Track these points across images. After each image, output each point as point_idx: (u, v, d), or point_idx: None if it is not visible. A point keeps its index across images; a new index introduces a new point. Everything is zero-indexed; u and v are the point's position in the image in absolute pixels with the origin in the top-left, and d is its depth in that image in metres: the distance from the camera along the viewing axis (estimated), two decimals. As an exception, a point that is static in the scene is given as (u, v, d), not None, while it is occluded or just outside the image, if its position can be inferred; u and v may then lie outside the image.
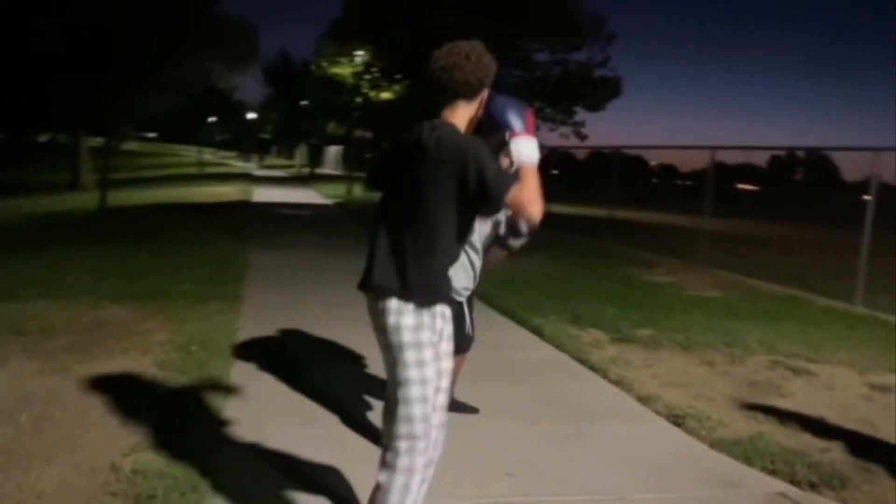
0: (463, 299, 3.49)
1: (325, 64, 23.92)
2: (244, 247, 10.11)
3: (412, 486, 2.34)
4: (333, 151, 47.95)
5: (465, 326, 3.53)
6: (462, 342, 3.35)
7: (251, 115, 58.12)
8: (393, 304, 2.31)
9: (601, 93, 12.67)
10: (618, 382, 4.74)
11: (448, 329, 2.50)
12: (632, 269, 10.16)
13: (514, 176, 2.22)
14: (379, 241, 2.38)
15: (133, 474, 3.00)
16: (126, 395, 4.00)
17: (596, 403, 4.37)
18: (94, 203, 16.53)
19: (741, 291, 8.83)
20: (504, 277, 8.63)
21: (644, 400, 4.40)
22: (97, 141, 26.17)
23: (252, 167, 52.16)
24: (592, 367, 5.07)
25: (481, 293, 7.53)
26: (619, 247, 12.94)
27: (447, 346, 2.51)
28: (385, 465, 2.37)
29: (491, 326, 6.30)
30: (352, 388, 4.32)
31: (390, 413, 2.37)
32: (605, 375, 4.88)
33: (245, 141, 63.84)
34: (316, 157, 47.41)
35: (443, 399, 2.47)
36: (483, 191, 2.17)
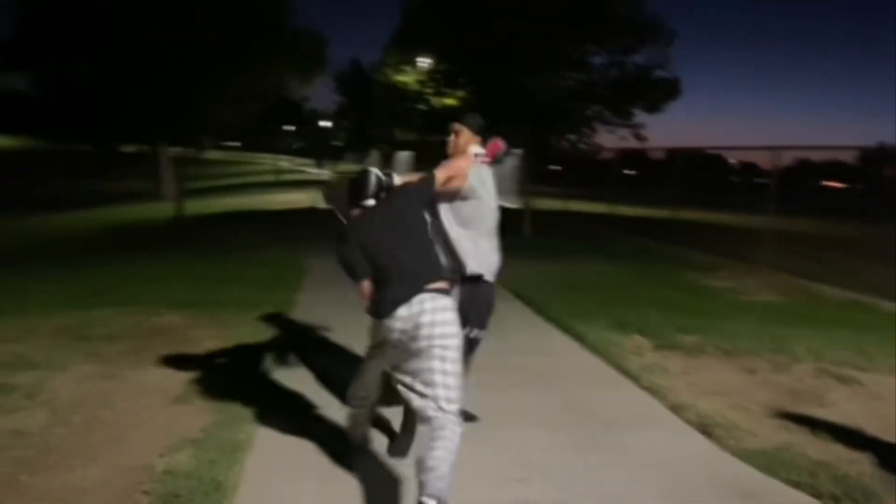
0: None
1: (389, 72, 24.37)
2: (304, 254, 10.42)
3: None
4: (404, 157, 48.54)
5: None
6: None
7: (325, 124, 59.50)
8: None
9: (659, 94, 12.51)
10: (651, 390, 4.72)
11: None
12: (690, 273, 9.98)
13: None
14: None
15: (164, 474, 3.21)
16: (170, 399, 4.25)
17: (624, 411, 4.37)
18: (171, 212, 17.29)
19: (802, 296, 8.56)
20: (557, 283, 8.66)
21: (675, 408, 4.37)
22: (179, 151, 27.34)
23: (325, 174, 53.33)
24: (628, 375, 5.06)
25: (530, 298, 7.64)
26: (682, 250, 12.70)
27: None
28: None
29: (532, 332, 6.37)
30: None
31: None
32: (639, 383, 4.87)
33: (319, 149, 65.33)
34: (387, 164, 48.09)
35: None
36: None
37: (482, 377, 4.90)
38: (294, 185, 33.29)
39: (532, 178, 18.25)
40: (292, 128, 59.27)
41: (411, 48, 18.98)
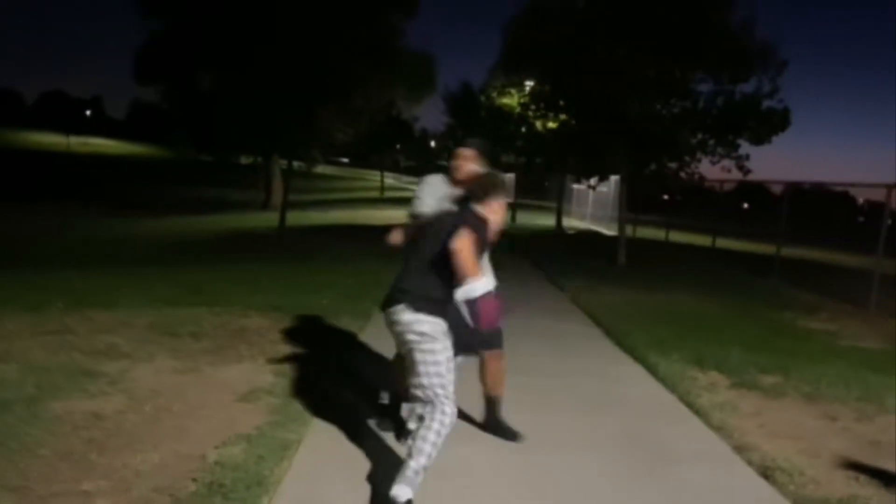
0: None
1: (494, 94, 24.58)
2: (392, 267, 10.62)
3: None
4: (507, 179, 48.74)
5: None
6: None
7: (433, 144, 60.62)
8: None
9: (768, 125, 12.00)
10: (718, 428, 4.54)
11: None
12: (788, 312, 9.51)
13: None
14: None
15: (215, 465, 3.38)
16: (238, 395, 4.46)
17: (684, 447, 4.23)
18: (276, 222, 18.07)
19: (909, 345, 7.99)
20: (641, 313, 8.48)
21: (739, 448, 4.19)
22: (291, 164, 28.55)
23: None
24: (697, 411, 4.89)
25: (610, 325, 7.51)
26: (786, 288, 12.13)
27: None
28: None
29: (605, 360, 6.27)
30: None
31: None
32: (706, 420, 4.70)
33: (425, 167, 66.57)
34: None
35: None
36: None
37: (545, 400, 4.90)
38: (397, 201, 34.01)
39: (631, 205, 17.92)
40: (400, 146, 60.79)
41: (514, 71, 19.10)
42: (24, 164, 45.81)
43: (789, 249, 14.14)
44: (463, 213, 3.36)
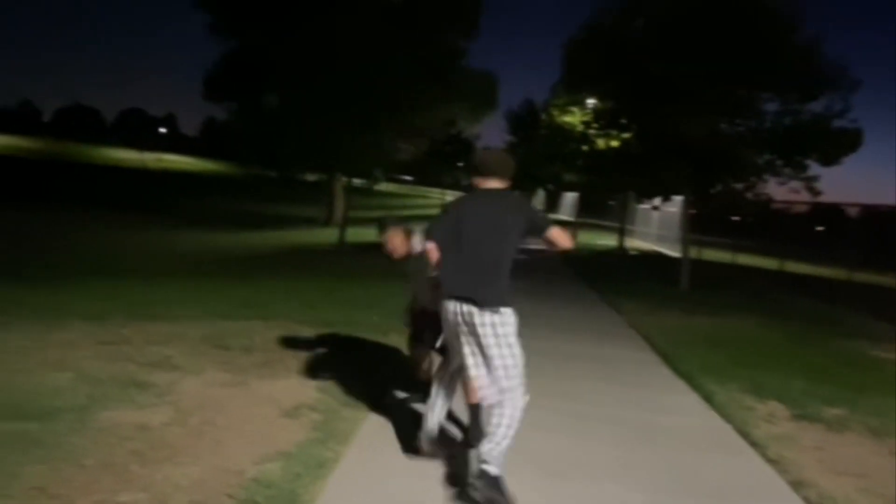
0: None
1: (556, 112, 24.43)
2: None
3: None
4: (570, 197, 48.39)
5: None
6: None
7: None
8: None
9: (838, 145, 11.53)
10: (775, 462, 4.33)
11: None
12: (855, 341, 9.07)
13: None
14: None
15: (251, 481, 3.38)
16: (282, 410, 4.47)
17: (738, 481, 4.04)
18: (336, 238, 18.30)
19: None
20: (699, 338, 8.22)
21: (796, 484, 3.98)
22: (353, 182, 28.97)
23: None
24: (753, 443, 4.68)
25: (666, 350, 7.30)
26: (858, 316, 11.59)
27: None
28: None
29: (657, 386, 6.08)
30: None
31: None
32: (763, 453, 4.48)
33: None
34: (552, 203, 48.14)
35: None
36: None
37: (587, 426, 4.76)
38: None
39: (698, 226, 17.47)
40: (461, 164, 60.92)
41: (574, 88, 18.93)
42: (107, 178, 47.67)
43: (863, 275, 13.57)
44: (525, 212, 3.70)
